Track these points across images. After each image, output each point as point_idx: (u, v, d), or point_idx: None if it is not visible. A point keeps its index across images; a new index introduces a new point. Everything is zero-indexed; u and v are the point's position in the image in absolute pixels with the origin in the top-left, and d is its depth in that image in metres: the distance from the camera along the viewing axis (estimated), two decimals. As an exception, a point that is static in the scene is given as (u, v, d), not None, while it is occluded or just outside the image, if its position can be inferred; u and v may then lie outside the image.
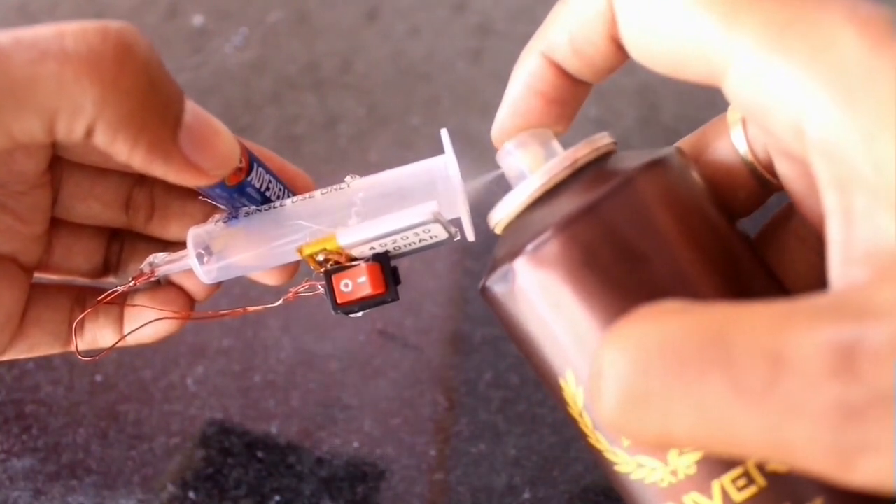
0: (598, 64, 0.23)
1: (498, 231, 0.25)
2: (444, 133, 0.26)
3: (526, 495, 0.37)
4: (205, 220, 0.28)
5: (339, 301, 0.25)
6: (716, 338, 0.16)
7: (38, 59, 0.21)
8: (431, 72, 0.54)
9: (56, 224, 0.28)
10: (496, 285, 0.22)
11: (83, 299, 0.29)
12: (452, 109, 0.52)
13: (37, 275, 0.28)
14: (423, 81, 0.53)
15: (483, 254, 0.44)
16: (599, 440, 0.22)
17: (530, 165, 0.24)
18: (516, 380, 0.40)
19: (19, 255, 0.27)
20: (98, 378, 0.41)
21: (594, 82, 0.24)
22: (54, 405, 0.40)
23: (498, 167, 0.26)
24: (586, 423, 0.22)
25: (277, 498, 0.37)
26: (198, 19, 0.57)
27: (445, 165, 0.26)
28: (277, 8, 0.58)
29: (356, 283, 0.25)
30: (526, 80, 0.25)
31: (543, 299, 0.21)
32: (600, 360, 0.17)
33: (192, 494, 0.37)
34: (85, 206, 0.28)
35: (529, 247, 0.21)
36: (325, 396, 0.40)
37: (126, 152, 0.22)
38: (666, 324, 0.17)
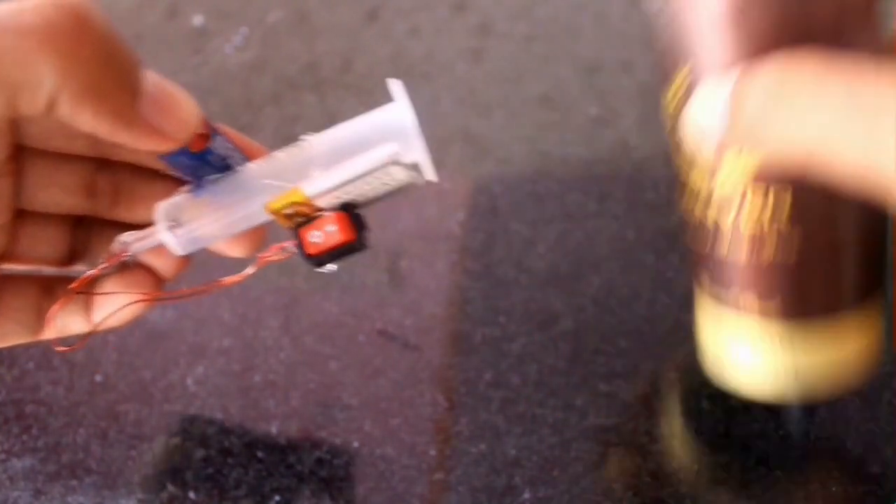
0: None
1: None
2: (395, 83, 0.27)
3: (526, 495, 0.37)
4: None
5: (310, 252, 0.26)
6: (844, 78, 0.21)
7: None
8: (431, 72, 0.54)
9: (20, 213, 0.28)
10: None
11: (51, 288, 0.29)
12: (452, 109, 0.52)
13: (3, 265, 0.28)
14: (423, 81, 0.53)
15: (483, 254, 0.45)
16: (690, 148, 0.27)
17: None
18: (516, 380, 0.40)
19: None
20: (98, 378, 0.41)
21: None
22: (54, 405, 0.40)
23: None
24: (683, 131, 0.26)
25: (277, 498, 0.37)
26: (198, 19, 0.57)
27: (400, 111, 0.26)
28: (277, 8, 0.58)
29: (326, 233, 0.26)
30: None
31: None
32: (750, 72, 0.23)
33: (192, 494, 0.37)
34: (48, 195, 0.28)
35: None
36: (325, 396, 0.40)
37: (89, 121, 0.23)
38: (808, 62, 0.22)
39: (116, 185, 0.29)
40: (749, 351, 0.32)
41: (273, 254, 0.27)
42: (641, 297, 0.43)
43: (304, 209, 0.26)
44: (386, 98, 0.53)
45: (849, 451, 0.37)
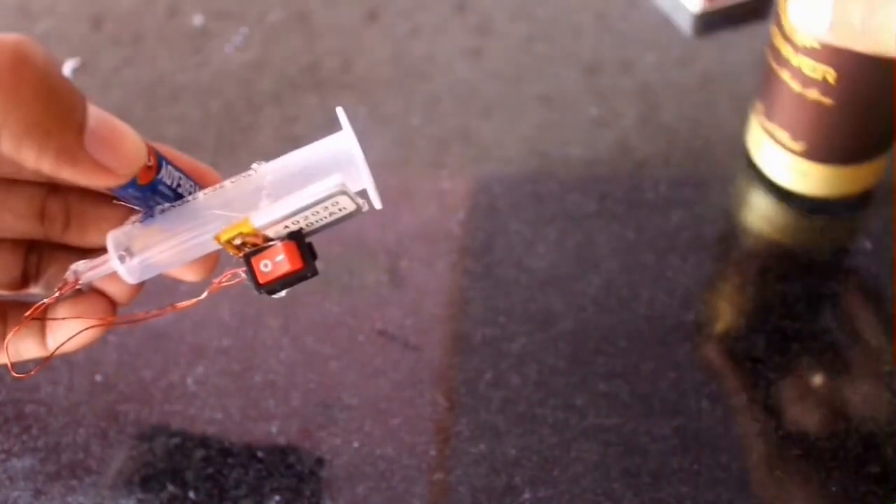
0: None
1: None
2: (339, 111, 0.28)
3: (526, 495, 0.37)
4: (122, 224, 0.29)
5: (260, 281, 0.26)
6: None
7: None
8: (431, 72, 0.54)
9: None
10: None
11: (4, 313, 0.29)
12: (452, 109, 0.52)
13: None
14: (423, 81, 0.53)
15: (483, 254, 0.45)
16: None
17: None
18: (516, 380, 0.40)
19: None
20: (98, 378, 0.41)
21: None
22: (54, 405, 0.40)
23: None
24: None
25: (277, 498, 0.37)
26: (198, 19, 0.57)
27: (345, 141, 0.27)
28: (277, 8, 0.58)
29: (275, 262, 0.26)
30: None
31: None
32: None
33: (192, 494, 0.37)
34: None
35: None
36: (325, 396, 0.40)
37: (33, 159, 0.23)
38: None
39: (67, 209, 0.29)
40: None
41: (226, 279, 0.28)
42: (641, 297, 0.43)
43: (253, 239, 0.26)
44: (386, 98, 0.53)
45: (849, 451, 0.38)
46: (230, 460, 0.38)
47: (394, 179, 0.48)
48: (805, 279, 0.44)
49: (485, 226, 0.46)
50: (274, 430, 0.39)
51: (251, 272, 0.27)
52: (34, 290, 0.30)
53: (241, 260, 0.27)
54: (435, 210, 0.47)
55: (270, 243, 0.26)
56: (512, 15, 0.57)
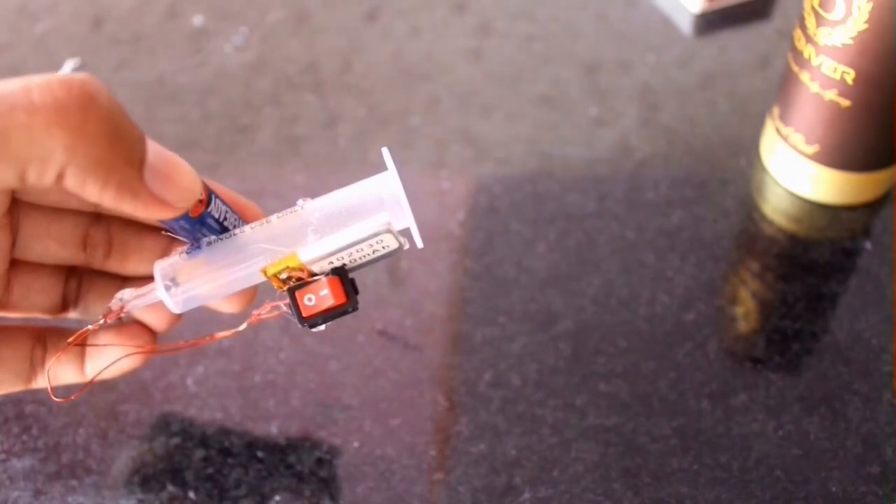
0: None
1: None
2: (385, 152, 0.28)
3: (526, 495, 0.37)
4: (162, 253, 0.29)
5: (304, 315, 0.27)
6: None
7: (8, 112, 0.22)
8: (431, 72, 0.54)
9: (14, 264, 0.29)
10: None
11: (43, 338, 0.30)
12: (452, 109, 0.52)
13: None
14: (423, 81, 0.53)
15: (483, 254, 0.45)
16: None
17: None
18: (516, 380, 0.40)
19: None
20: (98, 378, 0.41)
21: None
22: (54, 405, 0.40)
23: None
24: None
25: (277, 498, 0.37)
26: (198, 19, 0.57)
27: (389, 182, 0.28)
28: (277, 8, 0.58)
29: (319, 297, 0.27)
30: None
31: None
32: None
33: (192, 494, 0.37)
34: (43, 246, 0.29)
35: None
36: (325, 396, 0.40)
37: (96, 193, 0.24)
38: None
39: (109, 237, 0.30)
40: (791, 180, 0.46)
41: (266, 311, 0.29)
42: (641, 297, 0.43)
43: (299, 273, 0.27)
44: (386, 98, 0.53)
45: (849, 450, 0.38)
46: (230, 460, 0.38)
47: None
48: (805, 279, 0.44)
49: (485, 226, 0.46)
50: (274, 430, 0.39)
51: (295, 305, 0.27)
52: (72, 314, 0.31)
53: (284, 293, 0.28)
54: (435, 210, 0.47)
55: (315, 278, 0.27)
56: (512, 15, 0.57)
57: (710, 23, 0.57)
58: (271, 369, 0.40)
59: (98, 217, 0.30)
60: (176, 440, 0.38)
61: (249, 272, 0.28)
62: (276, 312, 0.28)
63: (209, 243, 0.28)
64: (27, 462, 0.38)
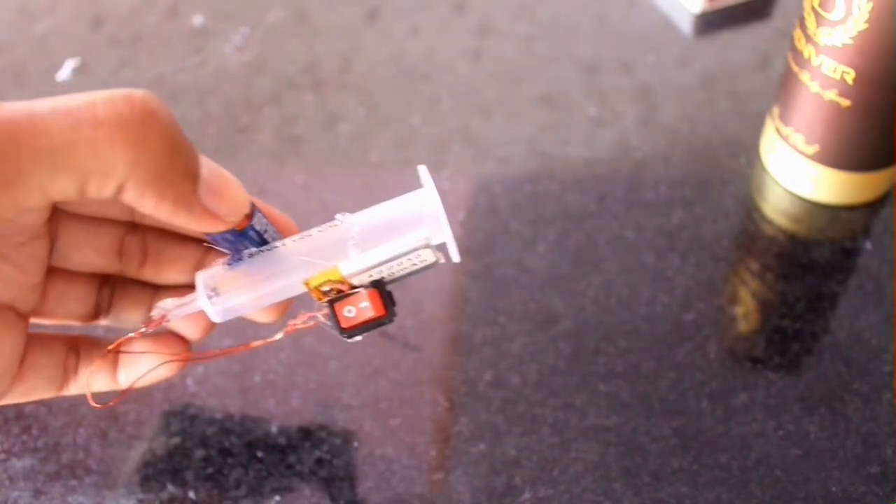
0: None
1: None
2: (422, 169, 0.29)
3: (526, 495, 0.37)
4: (196, 263, 0.30)
5: (343, 326, 0.28)
6: None
7: (74, 125, 0.23)
8: (431, 72, 0.54)
9: (50, 272, 0.29)
10: None
11: (76, 345, 0.30)
12: (452, 109, 0.52)
13: (31, 322, 0.29)
14: (423, 81, 0.53)
15: (483, 254, 0.45)
16: None
17: None
18: (516, 380, 0.40)
19: (17, 304, 0.28)
20: (98, 378, 0.41)
21: None
22: (54, 405, 0.40)
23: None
24: None
25: (277, 498, 0.37)
26: (198, 19, 0.57)
27: (428, 198, 0.29)
28: (277, 8, 0.58)
29: (359, 309, 0.28)
30: None
31: None
32: None
33: (192, 494, 0.37)
34: (80, 255, 0.29)
35: None
36: (325, 396, 0.40)
37: (152, 207, 0.24)
38: None
39: (145, 247, 0.30)
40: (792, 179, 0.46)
41: (302, 322, 0.29)
42: (641, 297, 0.43)
43: (340, 286, 0.28)
44: (386, 98, 0.53)
45: (849, 450, 0.38)
46: (230, 460, 0.38)
47: (394, 179, 0.48)
48: (805, 279, 0.44)
49: (485, 226, 0.46)
50: (274, 430, 0.39)
51: (334, 317, 0.28)
52: (103, 321, 0.31)
53: (323, 304, 0.28)
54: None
55: (355, 290, 0.28)
56: (512, 15, 0.57)
57: (710, 23, 0.57)
58: (271, 369, 0.40)
59: (134, 226, 0.30)
60: (176, 440, 0.38)
61: (290, 284, 0.28)
62: (311, 323, 0.29)
63: (251, 255, 0.29)
64: (27, 462, 0.38)
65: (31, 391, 0.29)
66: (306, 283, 0.28)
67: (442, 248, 0.29)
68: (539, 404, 0.39)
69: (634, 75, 0.53)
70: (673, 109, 0.51)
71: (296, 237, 0.29)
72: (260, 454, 0.38)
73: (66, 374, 0.30)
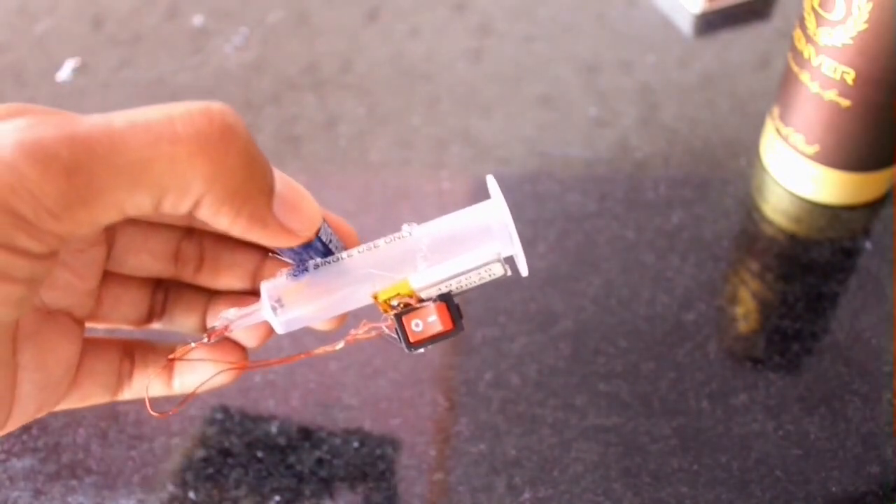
0: None
1: None
2: (490, 179, 0.28)
3: (526, 495, 0.37)
4: (254, 269, 0.30)
5: (411, 340, 0.28)
6: None
7: (153, 141, 0.22)
8: (431, 72, 0.54)
9: (105, 276, 0.29)
10: None
11: (131, 351, 0.30)
12: (452, 109, 0.52)
13: (86, 326, 0.29)
14: (423, 81, 0.53)
15: (483, 254, 0.44)
16: None
17: None
18: (516, 380, 0.40)
19: (74, 309, 0.28)
20: (98, 378, 0.41)
21: None
22: (54, 405, 0.40)
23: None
24: None
25: (277, 498, 0.37)
26: (198, 19, 0.57)
27: (499, 210, 0.28)
28: (277, 8, 0.58)
29: (426, 323, 0.28)
30: None
31: None
32: None
33: (192, 494, 0.37)
34: (137, 260, 0.29)
35: None
36: (325, 396, 0.40)
37: (227, 223, 0.24)
38: None
39: (201, 252, 0.30)
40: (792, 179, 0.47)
41: (364, 331, 0.29)
42: (641, 297, 0.43)
43: (408, 299, 0.28)
44: (386, 98, 0.53)
45: (849, 450, 0.38)
46: (230, 460, 0.38)
47: (394, 179, 0.48)
48: (805, 279, 0.44)
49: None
50: (274, 430, 0.39)
51: (402, 330, 0.28)
52: (155, 326, 0.31)
53: (390, 317, 0.28)
54: (435, 210, 0.47)
55: (423, 304, 0.28)
56: (512, 15, 0.57)
57: (710, 23, 0.57)
58: (271, 369, 0.40)
59: (190, 231, 0.30)
60: (176, 440, 0.38)
61: (356, 296, 0.28)
62: (373, 333, 0.29)
63: (316, 266, 0.28)
64: (27, 462, 0.38)
65: (87, 397, 0.29)
66: (374, 297, 0.28)
67: (509, 260, 0.29)
68: (539, 404, 0.39)
69: (634, 75, 0.53)
70: (673, 109, 0.51)
71: (361, 248, 0.28)
72: (260, 454, 0.38)
73: (121, 380, 0.29)
